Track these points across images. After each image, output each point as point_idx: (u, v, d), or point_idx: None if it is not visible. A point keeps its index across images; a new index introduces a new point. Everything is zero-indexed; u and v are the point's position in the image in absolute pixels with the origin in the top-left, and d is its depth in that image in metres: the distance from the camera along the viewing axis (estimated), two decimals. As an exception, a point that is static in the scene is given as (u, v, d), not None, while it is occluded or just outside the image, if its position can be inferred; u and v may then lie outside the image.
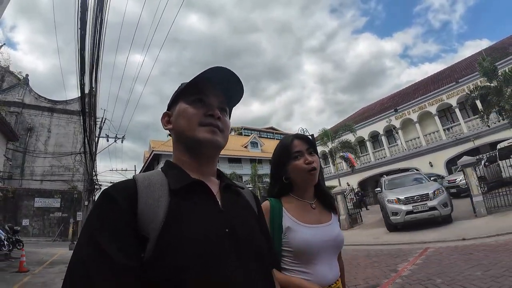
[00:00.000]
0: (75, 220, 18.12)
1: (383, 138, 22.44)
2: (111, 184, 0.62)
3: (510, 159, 9.45)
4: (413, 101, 20.62)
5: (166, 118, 0.77)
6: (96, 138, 17.21)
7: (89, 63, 7.20)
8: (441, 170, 17.71)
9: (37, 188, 20.62)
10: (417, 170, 13.25)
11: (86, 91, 8.28)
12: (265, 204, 1.15)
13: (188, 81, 0.73)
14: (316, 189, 1.23)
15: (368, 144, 23.33)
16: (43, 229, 19.25)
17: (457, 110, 18.21)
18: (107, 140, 19.40)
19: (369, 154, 23.48)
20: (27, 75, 25.88)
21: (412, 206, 7.30)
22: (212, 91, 0.73)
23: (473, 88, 12.58)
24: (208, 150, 0.71)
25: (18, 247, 10.26)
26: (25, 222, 18.41)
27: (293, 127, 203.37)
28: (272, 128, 55.31)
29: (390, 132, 22.03)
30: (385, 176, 10.48)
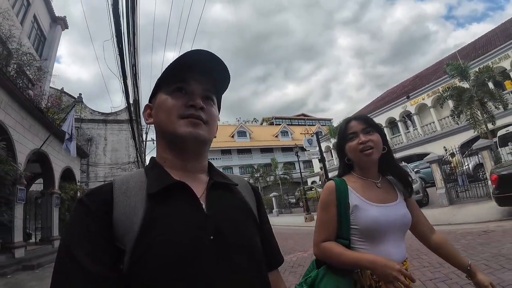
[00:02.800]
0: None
1: (400, 124, 22.59)
2: (88, 190, 0.60)
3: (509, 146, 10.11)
4: (427, 85, 20.19)
5: (148, 111, 0.71)
6: (144, 143, 20.66)
7: (130, 75, 7.35)
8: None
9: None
10: (405, 162, 13.65)
11: (131, 100, 10.03)
12: (330, 184, 1.16)
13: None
14: (382, 167, 1.21)
15: (386, 130, 23.03)
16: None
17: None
18: (153, 143, 22.90)
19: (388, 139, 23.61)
20: (80, 94, 30.34)
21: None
22: (193, 77, 0.65)
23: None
24: (191, 145, 0.64)
25: None
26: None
27: (332, 107, 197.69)
28: (303, 114, 56.03)
29: (407, 118, 22.07)
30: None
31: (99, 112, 29.45)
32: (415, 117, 21.29)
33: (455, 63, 12.66)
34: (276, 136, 40.24)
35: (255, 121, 57.28)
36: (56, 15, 17.19)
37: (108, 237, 0.52)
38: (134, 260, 0.50)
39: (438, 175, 8.93)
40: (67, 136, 9.44)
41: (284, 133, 41.13)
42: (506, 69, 15.98)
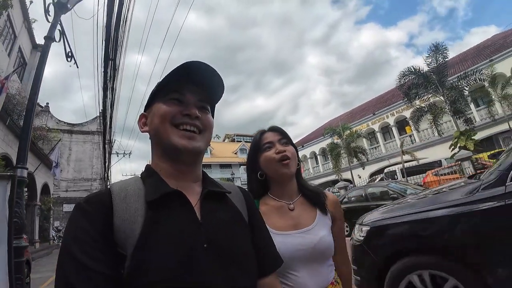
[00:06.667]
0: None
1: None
2: (86, 196, 0.60)
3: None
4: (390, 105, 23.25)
5: (143, 120, 0.72)
6: (108, 155, 23.11)
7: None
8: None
9: (64, 196, 26.43)
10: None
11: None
12: None
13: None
14: (299, 185, 1.15)
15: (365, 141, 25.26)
16: (71, 228, 25.26)
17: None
18: (117, 156, 25.28)
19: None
20: (47, 103, 31.43)
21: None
22: (189, 88, 0.68)
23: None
24: (186, 156, 0.66)
25: (60, 241, 16.17)
26: (56, 223, 24.22)
27: (299, 121, 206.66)
28: (263, 132, 60.51)
29: (385, 129, 24.40)
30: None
31: (65, 122, 30.66)
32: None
33: (331, 127, 18.65)
34: (236, 153, 43.70)
35: (217, 137, 60.51)
36: (37, 42, 19.26)
37: (108, 240, 0.53)
38: (134, 265, 0.51)
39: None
40: (54, 164, 12.12)
41: (243, 150, 44.56)
42: (390, 124, 22.36)
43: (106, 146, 17.57)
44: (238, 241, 0.65)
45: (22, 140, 3.74)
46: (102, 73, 7.35)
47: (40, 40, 19.23)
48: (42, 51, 4.03)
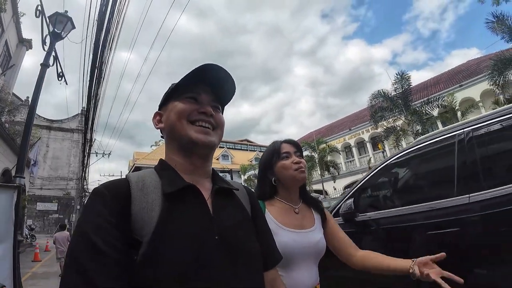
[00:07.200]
0: (69, 221, 23.39)
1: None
2: (105, 183, 0.62)
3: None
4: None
5: (158, 118, 0.77)
6: (87, 155, 22.96)
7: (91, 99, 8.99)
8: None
9: (39, 194, 25.81)
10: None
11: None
12: None
13: (177, 81, 0.72)
14: (301, 194, 1.27)
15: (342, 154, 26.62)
16: (43, 227, 24.52)
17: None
18: (96, 155, 25.06)
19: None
20: (27, 97, 30.72)
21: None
22: (204, 89, 0.73)
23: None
24: (201, 149, 0.70)
25: (33, 240, 15.89)
26: (29, 221, 23.51)
27: (283, 130, 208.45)
28: (247, 140, 60.99)
29: (360, 144, 26.13)
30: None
31: (44, 118, 29.97)
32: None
33: (306, 141, 20.33)
34: (217, 159, 43.77)
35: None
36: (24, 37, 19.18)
37: (124, 226, 0.54)
38: (150, 252, 0.53)
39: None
40: (32, 162, 12.20)
41: (225, 156, 44.33)
42: (365, 140, 23.87)
43: (86, 145, 17.63)
44: (246, 237, 0.69)
45: (20, 155, 4.24)
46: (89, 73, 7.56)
47: (27, 35, 19.21)
48: (39, 77, 4.47)
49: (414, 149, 1.97)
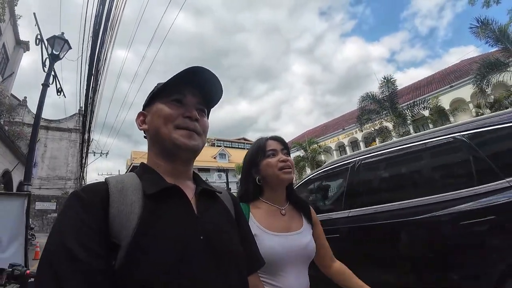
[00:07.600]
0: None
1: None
2: (83, 186, 0.60)
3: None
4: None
5: (141, 118, 0.75)
6: (85, 155, 23.41)
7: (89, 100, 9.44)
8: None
9: (37, 194, 26.23)
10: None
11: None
12: None
13: (165, 81, 0.70)
14: (288, 194, 1.22)
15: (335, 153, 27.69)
16: (42, 226, 24.88)
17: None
18: (94, 155, 25.50)
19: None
20: (25, 97, 30.93)
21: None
22: (189, 91, 0.72)
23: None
24: (184, 154, 0.70)
25: (33, 239, 16.30)
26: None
27: (281, 128, 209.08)
28: (244, 138, 61.34)
29: (354, 144, 27.07)
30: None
31: (42, 118, 29.79)
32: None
33: (298, 142, 20.83)
34: (215, 158, 43.99)
35: (198, 140, 60.56)
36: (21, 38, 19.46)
37: (103, 230, 0.52)
38: (130, 255, 0.51)
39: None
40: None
41: (222, 155, 44.62)
42: (358, 139, 24.39)
43: (83, 145, 18.03)
44: (231, 238, 0.69)
45: (27, 165, 4.77)
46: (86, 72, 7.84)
47: (23, 37, 19.49)
48: (40, 97, 4.90)
49: (323, 170, 2.52)
